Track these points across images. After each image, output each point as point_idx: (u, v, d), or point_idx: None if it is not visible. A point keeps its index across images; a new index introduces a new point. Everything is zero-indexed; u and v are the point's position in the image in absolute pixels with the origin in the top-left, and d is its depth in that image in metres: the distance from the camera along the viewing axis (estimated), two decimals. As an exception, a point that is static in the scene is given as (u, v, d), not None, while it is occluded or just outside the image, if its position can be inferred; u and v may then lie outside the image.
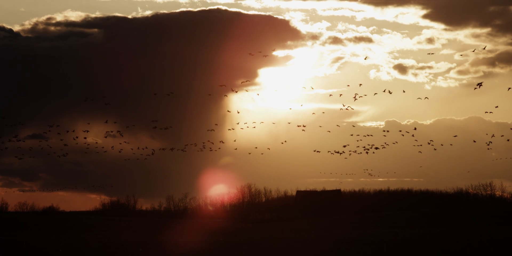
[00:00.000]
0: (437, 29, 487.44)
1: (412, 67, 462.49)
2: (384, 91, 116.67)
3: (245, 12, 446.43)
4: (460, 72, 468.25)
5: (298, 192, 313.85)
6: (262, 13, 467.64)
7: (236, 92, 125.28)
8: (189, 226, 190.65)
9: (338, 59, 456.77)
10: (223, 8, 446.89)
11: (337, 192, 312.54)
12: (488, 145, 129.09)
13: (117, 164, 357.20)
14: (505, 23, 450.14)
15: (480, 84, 79.14)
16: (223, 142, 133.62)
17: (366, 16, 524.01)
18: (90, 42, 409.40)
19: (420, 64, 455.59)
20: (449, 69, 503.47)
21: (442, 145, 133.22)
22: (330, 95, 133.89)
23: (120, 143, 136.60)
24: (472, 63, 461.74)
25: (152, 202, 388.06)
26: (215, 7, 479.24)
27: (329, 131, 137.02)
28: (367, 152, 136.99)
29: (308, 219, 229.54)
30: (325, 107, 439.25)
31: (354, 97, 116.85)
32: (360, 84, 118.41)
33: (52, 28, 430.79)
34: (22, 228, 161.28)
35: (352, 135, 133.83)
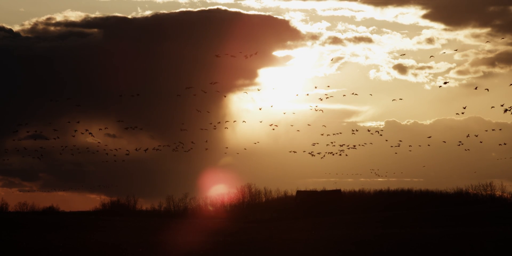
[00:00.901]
0: (437, 29, 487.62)
1: (412, 67, 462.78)
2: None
3: (245, 12, 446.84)
4: (460, 72, 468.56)
5: (298, 192, 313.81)
6: (262, 13, 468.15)
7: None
8: (189, 226, 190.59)
9: (338, 59, 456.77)
10: (223, 8, 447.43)
11: (337, 192, 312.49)
12: (459, 145, 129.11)
13: (117, 164, 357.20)
14: (505, 23, 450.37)
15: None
16: (193, 143, 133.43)
17: (366, 16, 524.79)
18: (90, 42, 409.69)
19: (420, 64, 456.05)
20: (449, 69, 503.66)
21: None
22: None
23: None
24: (471, 63, 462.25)
25: (152, 202, 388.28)
26: (215, 7, 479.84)
27: (298, 130, 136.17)
28: (340, 154, 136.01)
29: (308, 219, 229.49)
30: (325, 107, 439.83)
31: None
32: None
33: (52, 28, 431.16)
34: (21, 228, 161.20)
35: (322, 134, 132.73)
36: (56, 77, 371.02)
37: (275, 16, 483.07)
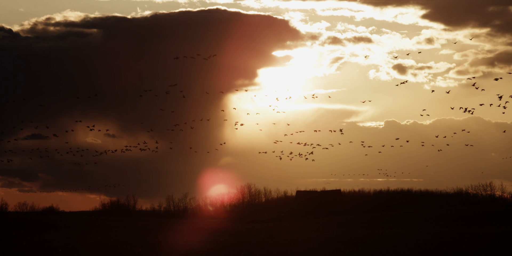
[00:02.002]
0: (436, 29, 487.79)
1: (411, 67, 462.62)
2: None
3: (245, 12, 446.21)
4: (459, 72, 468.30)
5: (298, 192, 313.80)
6: (262, 13, 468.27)
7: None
8: (189, 226, 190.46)
9: (338, 59, 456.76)
10: (222, 8, 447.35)
11: (337, 192, 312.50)
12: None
13: (117, 164, 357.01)
14: (505, 23, 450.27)
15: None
16: (157, 143, 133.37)
17: (365, 16, 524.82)
18: (89, 42, 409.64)
19: (420, 64, 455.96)
20: (449, 69, 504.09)
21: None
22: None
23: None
24: (471, 63, 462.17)
25: (152, 202, 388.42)
26: (214, 7, 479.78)
27: (261, 130, 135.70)
28: (307, 156, 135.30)
29: (308, 219, 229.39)
30: (325, 107, 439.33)
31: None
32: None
33: (51, 28, 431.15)
34: (20, 228, 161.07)
35: (286, 135, 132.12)
36: (55, 77, 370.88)
37: (274, 16, 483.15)
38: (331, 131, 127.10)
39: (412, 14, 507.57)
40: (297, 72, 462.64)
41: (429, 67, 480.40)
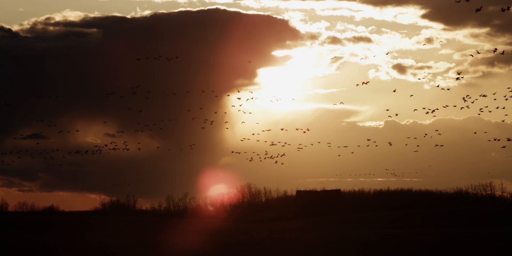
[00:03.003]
0: (436, 29, 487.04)
1: (411, 67, 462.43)
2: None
3: (244, 12, 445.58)
4: (459, 72, 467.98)
5: (298, 192, 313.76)
6: (261, 13, 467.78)
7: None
8: (189, 226, 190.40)
9: (337, 59, 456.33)
10: (222, 8, 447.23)
11: (337, 192, 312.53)
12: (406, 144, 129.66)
13: (117, 164, 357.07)
14: (504, 23, 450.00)
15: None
16: (125, 143, 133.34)
17: (365, 16, 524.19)
18: (89, 42, 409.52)
19: (419, 64, 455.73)
20: (448, 69, 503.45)
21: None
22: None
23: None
24: (471, 63, 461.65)
25: (152, 202, 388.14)
26: (214, 7, 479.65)
27: (228, 128, 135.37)
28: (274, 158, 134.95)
29: (308, 219, 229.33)
30: (325, 107, 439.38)
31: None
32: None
33: (51, 28, 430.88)
34: (20, 228, 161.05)
35: (253, 134, 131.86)
36: (55, 77, 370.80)
37: (274, 16, 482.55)
38: (297, 129, 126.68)
39: (412, 14, 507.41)
40: (297, 72, 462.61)
41: (428, 67, 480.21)
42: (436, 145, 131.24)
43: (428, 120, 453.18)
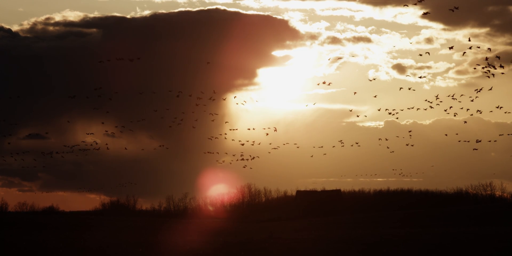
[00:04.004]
0: (435, 29, 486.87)
1: (411, 67, 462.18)
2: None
3: (244, 12, 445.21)
4: (459, 72, 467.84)
5: (298, 192, 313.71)
6: (261, 13, 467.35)
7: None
8: (189, 226, 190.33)
9: (337, 59, 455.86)
10: (222, 8, 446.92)
11: (337, 192, 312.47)
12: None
13: (117, 164, 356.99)
14: (504, 23, 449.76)
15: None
16: (96, 143, 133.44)
17: (364, 16, 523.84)
18: (88, 42, 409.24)
19: (419, 64, 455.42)
20: (448, 69, 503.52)
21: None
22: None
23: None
24: (471, 63, 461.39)
25: (152, 202, 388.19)
26: (214, 7, 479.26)
27: (194, 127, 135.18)
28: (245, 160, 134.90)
29: (308, 219, 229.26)
30: (325, 107, 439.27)
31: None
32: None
33: (51, 28, 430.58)
34: (20, 228, 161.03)
35: (228, 135, 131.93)
36: (55, 77, 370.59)
37: (274, 16, 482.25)
38: (264, 128, 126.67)
39: (412, 14, 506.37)
40: (297, 72, 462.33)
41: (428, 67, 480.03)
42: (406, 144, 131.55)
43: (428, 120, 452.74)
